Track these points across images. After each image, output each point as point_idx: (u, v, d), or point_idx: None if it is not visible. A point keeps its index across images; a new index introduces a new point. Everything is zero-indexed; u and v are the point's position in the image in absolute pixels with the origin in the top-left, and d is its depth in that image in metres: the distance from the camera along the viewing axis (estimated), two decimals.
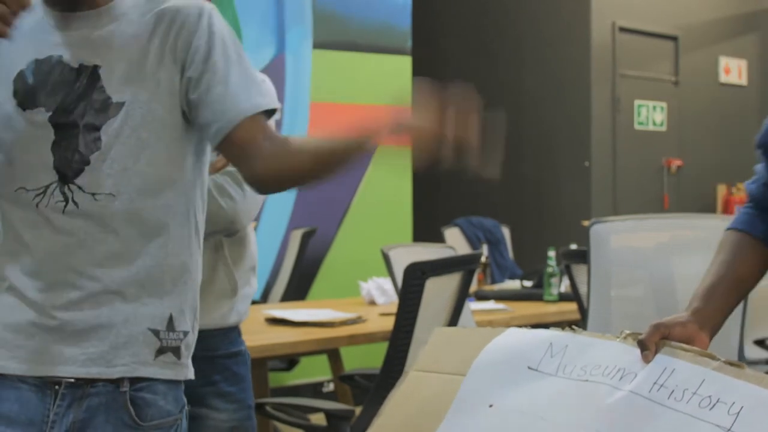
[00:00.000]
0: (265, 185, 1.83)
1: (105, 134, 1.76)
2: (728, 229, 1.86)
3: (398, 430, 1.72)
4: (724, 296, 1.75)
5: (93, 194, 1.75)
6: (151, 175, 1.78)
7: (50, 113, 1.77)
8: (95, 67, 1.78)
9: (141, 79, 1.78)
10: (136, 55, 1.79)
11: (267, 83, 2.47)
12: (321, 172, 1.82)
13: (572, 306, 4.51)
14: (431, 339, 1.84)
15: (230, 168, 2.33)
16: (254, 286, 2.54)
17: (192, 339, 1.86)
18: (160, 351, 1.80)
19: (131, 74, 1.78)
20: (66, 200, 1.75)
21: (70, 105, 1.77)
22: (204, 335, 2.37)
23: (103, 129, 1.76)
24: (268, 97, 1.83)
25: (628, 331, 1.62)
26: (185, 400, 1.88)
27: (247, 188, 2.32)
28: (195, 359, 2.36)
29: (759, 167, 1.87)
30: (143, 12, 1.82)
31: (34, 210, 1.76)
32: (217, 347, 2.43)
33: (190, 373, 1.86)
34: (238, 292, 2.45)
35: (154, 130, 1.78)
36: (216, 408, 2.41)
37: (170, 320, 1.81)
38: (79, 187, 1.75)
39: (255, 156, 1.78)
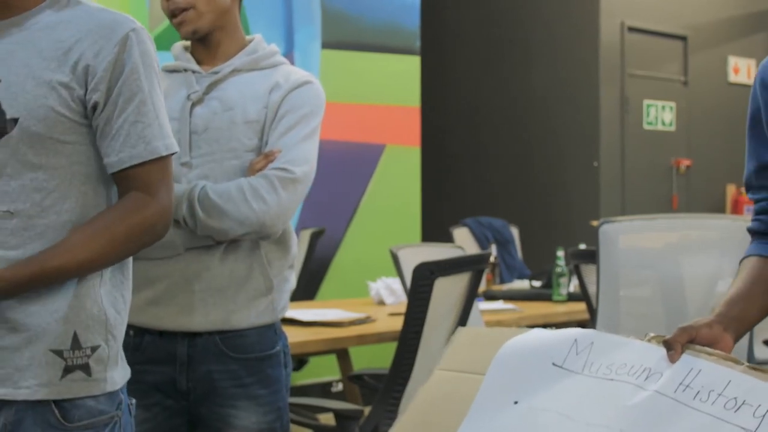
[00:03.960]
0: None
1: (1, 151, 1.74)
2: (742, 260, 1.86)
3: (421, 429, 1.72)
4: (747, 304, 1.74)
5: None
6: (47, 188, 1.77)
7: None
8: None
9: (39, 94, 1.75)
10: (37, 70, 1.76)
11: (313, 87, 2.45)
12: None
13: (581, 306, 4.51)
14: (455, 338, 1.84)
15: (267, 171, 2.31)
16: (292, 282, 2.50)
17: (107, 351, 1.81)
18: (67, 370, 1.77)
19: (27, 88, 1.75)
20: None
21: None
22: (236, 336, 2.38)
23: None
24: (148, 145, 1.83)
25: (653, 334, 1.61)
26: (124, 397, 1.87)
27: (283, 193, 2.31)
28: (227, 360, 2.36)
29: (757, 206, 1.88)
30: (54, 24, 1.79)
31: None
32: (251, 348, 2.40)
33: (111, 386, 1.83)
34: (274, 289, 2.42)
35: (52, 145, 1.76)
36: (245, 410, 2.39)
37: (75, 338, 1.77)
38: None
39: None
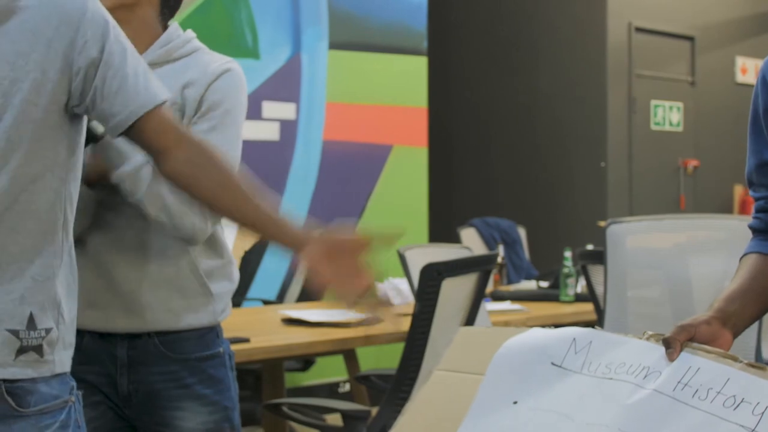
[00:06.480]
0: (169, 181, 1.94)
1: None
2: (742, 257, 1.87)
3: (422, 430, 1.72)
4: (746, 300, 1.74)
5: None
6: (18, 173, 1.76)
7: None
8: None
9: (16, 78, 1.75)
10: (22, 51, 1.76)
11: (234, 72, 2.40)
12: (220, 210, 1.96)
13: (588, 307, 4.50)
14: (455, 338, 1.84)
15: None
16: (235, 281, 2.43)
17: (57, 334, 1.82)
18: (21, 351, 1.77)
19: (3, 73, 1.75)
20: None
21: None
22: (176, 338, 2.33)
23: None
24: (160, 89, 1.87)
25: (650, 332, 1.61)
26: (73, 381, 1.88)
27: None
28: (168, 361, 2.34)
29: (757, 205, 1.89)
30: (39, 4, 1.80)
31: None
32: (191, 349, 2.35)
33: (59, 367, 1.84)
34: (211, 290, 2.36)
35: (27, 130, 1.76)
36: (190, 410, 2.34)
37: (31, 319, 1.78)
38: None
39: (165, 154, 1.89)
